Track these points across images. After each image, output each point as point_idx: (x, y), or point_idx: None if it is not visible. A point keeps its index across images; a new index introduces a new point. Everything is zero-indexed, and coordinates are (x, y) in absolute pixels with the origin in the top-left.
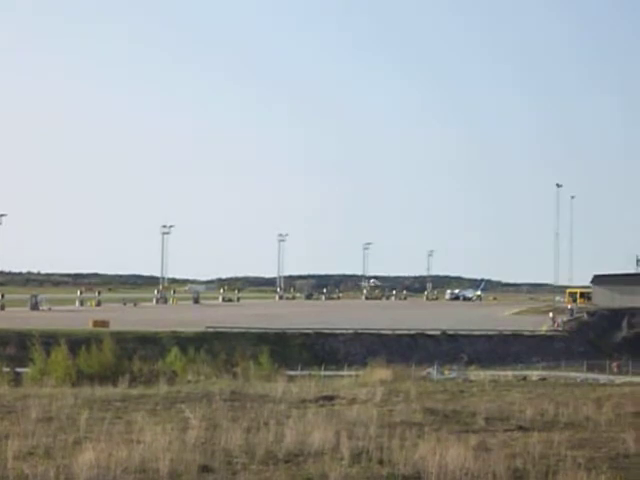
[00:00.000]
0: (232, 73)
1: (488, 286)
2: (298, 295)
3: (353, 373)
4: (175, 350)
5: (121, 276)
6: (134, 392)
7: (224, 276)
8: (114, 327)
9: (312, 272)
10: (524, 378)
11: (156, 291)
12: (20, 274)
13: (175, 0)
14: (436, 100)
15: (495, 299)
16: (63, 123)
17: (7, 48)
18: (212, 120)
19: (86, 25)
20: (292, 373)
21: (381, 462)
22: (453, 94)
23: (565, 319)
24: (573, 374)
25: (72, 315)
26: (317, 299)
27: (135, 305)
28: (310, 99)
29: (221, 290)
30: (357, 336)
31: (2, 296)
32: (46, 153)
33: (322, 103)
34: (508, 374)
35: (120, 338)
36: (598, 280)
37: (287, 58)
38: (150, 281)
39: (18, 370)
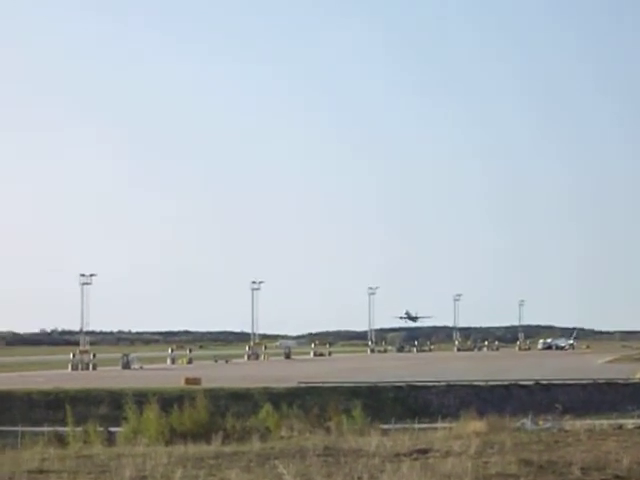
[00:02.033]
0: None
1: (580, 334)
2: (389, 348)
3: (447, 425)
4: (267, 406)
5: (212, 333)
6: (227, 449)
7: (315, 331)
8: (206, 384)
9: (403, 325)
10: (620, 427)
11: (247, 347)
12: (111, 333)
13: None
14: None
15: (588, 347)
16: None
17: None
18: (299, 173)
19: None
20: (386, 427)
21: None
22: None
23: None
24: None
25: (164, 373)
26: (409, 351)
27: (227, 362)
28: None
29: (312, 345)
30: (450, 388)
31: (94, 356)
32: (124, 214)
33: (397, 152)
34: (603, 423)
35: (212, 395)
36: None
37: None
38: (241, 337)
39: (111, 429)
